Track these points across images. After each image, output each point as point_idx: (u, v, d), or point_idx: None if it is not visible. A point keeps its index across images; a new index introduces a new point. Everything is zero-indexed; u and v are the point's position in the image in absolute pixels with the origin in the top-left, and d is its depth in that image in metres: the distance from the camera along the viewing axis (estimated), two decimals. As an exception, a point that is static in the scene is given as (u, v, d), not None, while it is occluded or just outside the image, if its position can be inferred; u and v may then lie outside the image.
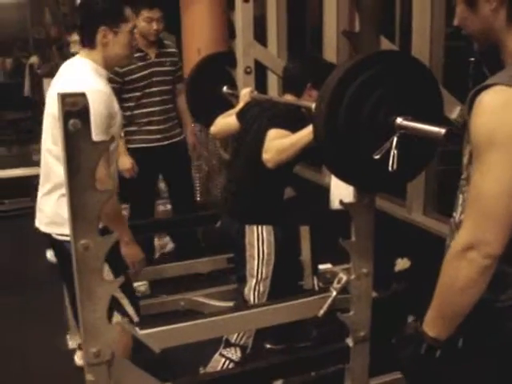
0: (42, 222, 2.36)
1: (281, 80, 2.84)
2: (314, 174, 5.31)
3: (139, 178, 3.69)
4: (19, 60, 11.74)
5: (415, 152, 1.79)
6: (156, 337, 1.91)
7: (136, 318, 2.33)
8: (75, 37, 4.78)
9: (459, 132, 1.52)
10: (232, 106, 3.04)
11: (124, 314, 2.29)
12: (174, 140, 3.84)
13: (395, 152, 1.67)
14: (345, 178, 1.91)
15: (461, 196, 1.47)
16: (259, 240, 2.62)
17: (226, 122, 2.88)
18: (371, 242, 2.06)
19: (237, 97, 3.04)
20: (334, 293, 2.08)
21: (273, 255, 2.64)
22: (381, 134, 1.69)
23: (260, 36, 4.00)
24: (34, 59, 10.84)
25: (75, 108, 1.47)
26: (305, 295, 2.22)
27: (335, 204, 2.99)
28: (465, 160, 1.41)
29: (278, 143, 2.37)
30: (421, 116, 1.68)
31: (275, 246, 2.64)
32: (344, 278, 2.07)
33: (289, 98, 2.65)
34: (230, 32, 4.75)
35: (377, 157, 1.68)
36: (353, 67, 1.69)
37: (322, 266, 3.15)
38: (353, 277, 2.04)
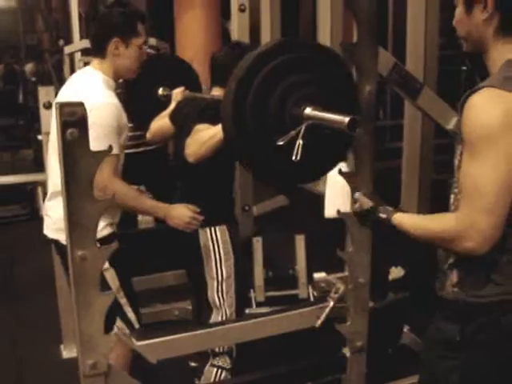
0: (49, 228, 2.37)
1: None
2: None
3: None
4: (11, 66, 11.69)
5: (329, 143, 1.75)
6: (153, 348, 1.88)
7: (137, 325, 2.34)
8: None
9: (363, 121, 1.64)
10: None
11: (125, 320, 2.30)
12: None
13: (300, 142, 1.64)
14: (256, 173, 1.87)
15: (452, 196, 1.54)
16: (213, 241, 2.57)
17: (159, 125, 2.77)
18: (368, 252, 2.06)
19: (170, 98, 2.91)
20: (332, 303, 2.06)
21: (231, 253, 2.59)
22: (290, 125, 1.65)
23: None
24: (30, 66, 10.81)
25: (73, 118, 1.46)
26: (302, 305, 2.21)
27: (330, 212, 2.98)
28: (456, 161, 1.48)
29: (198, 137, 2.30)
30: (334, 106, 1.64)
31: (232, 244, 2.59)
32: (341, 287, 2.05)
33: (217, 92, 2.57)
34: (224, 39, 4.77)
35: (280, 143, 1.64)
36: (262, 55, 1.65)
37: (316, 275, 3.14)
38: (350, 286, 2.03)
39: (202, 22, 4.71)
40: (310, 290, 3.16)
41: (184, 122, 2.57)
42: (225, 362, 2.60)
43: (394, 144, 6.28)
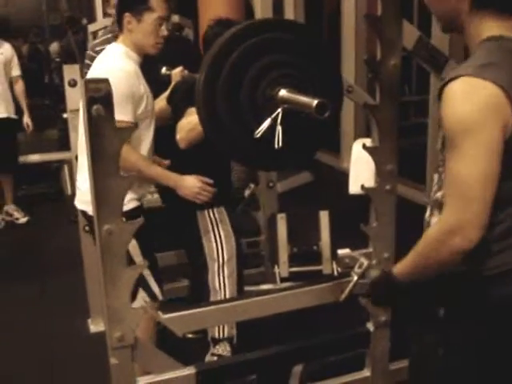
0: (79, 200, 2.42)
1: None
2: (332, 159, 5.30)
3: None
4: (35, 46, 11.74)
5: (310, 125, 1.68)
6: (179, 321, 1.91)
7: (160, 297, 2.37)
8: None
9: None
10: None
11: (149, 292, 2.33)
12: None
13: (279, 128, 1.57)
14: (233, 155, 1.84)
15: (436, 175, 1.53)
16: (213, 223, 2.55)
17: (159, 107, 2.66)
18: (392, 227, 2.06)
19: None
20: (356, 277, 2.07)
21: (231, 234, 2.57)
22: (264, 108, 1.60)
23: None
24: (54, 46, 10.83)
25: (98, 94, 1.48)
26: (326, 280, 2.22)
27: (354, 189, 2.97)
28: (439, 144, 1.45)
29: (187, 122, 2.27)
30: (313, 90, 1.60)
31: (231, 224, 2.57)
32: (365, 262, 2.05)
33: None
34: (247, 15, 4.73)
35: (258, 135, 1.59)
36: (237, 34, 1.61)
37: (340, 251, 3.14)
38: (374, 262, 2.04)
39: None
40: (334, 266, 3.16)
41: (178, 104, 2.53)
42: (225, 349, 2.58)
43: (419, 119, 6.22)
